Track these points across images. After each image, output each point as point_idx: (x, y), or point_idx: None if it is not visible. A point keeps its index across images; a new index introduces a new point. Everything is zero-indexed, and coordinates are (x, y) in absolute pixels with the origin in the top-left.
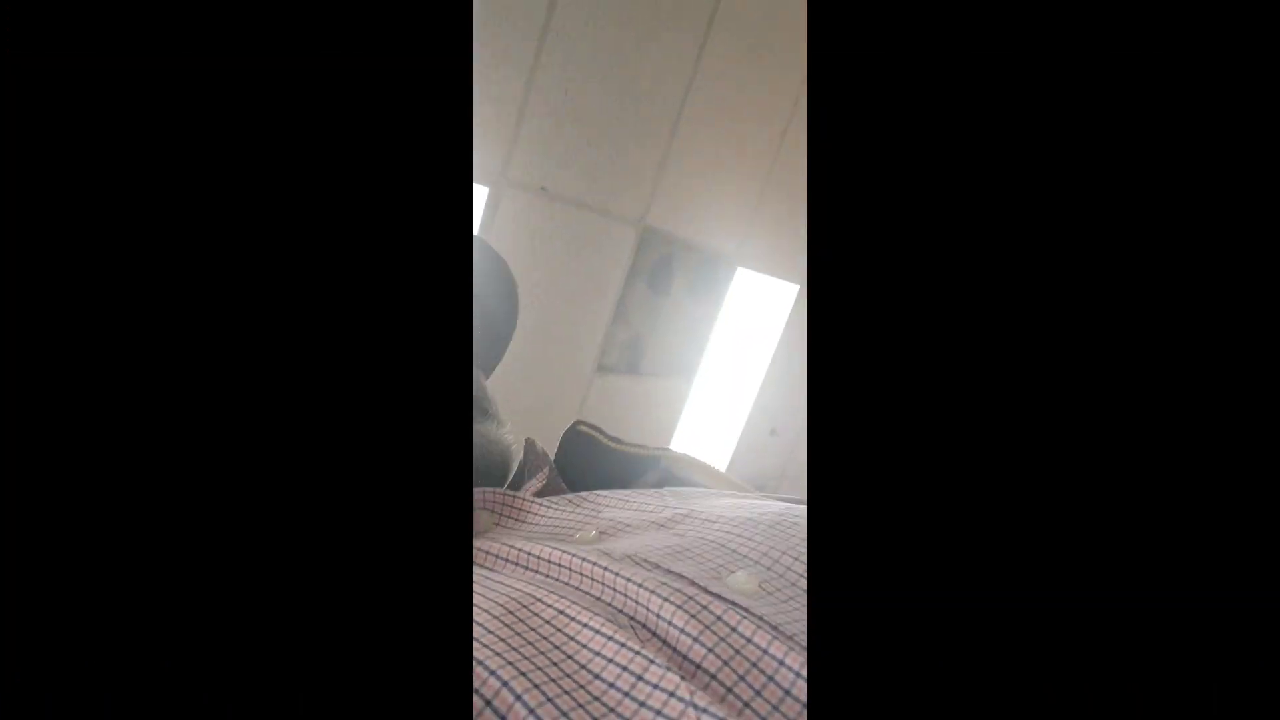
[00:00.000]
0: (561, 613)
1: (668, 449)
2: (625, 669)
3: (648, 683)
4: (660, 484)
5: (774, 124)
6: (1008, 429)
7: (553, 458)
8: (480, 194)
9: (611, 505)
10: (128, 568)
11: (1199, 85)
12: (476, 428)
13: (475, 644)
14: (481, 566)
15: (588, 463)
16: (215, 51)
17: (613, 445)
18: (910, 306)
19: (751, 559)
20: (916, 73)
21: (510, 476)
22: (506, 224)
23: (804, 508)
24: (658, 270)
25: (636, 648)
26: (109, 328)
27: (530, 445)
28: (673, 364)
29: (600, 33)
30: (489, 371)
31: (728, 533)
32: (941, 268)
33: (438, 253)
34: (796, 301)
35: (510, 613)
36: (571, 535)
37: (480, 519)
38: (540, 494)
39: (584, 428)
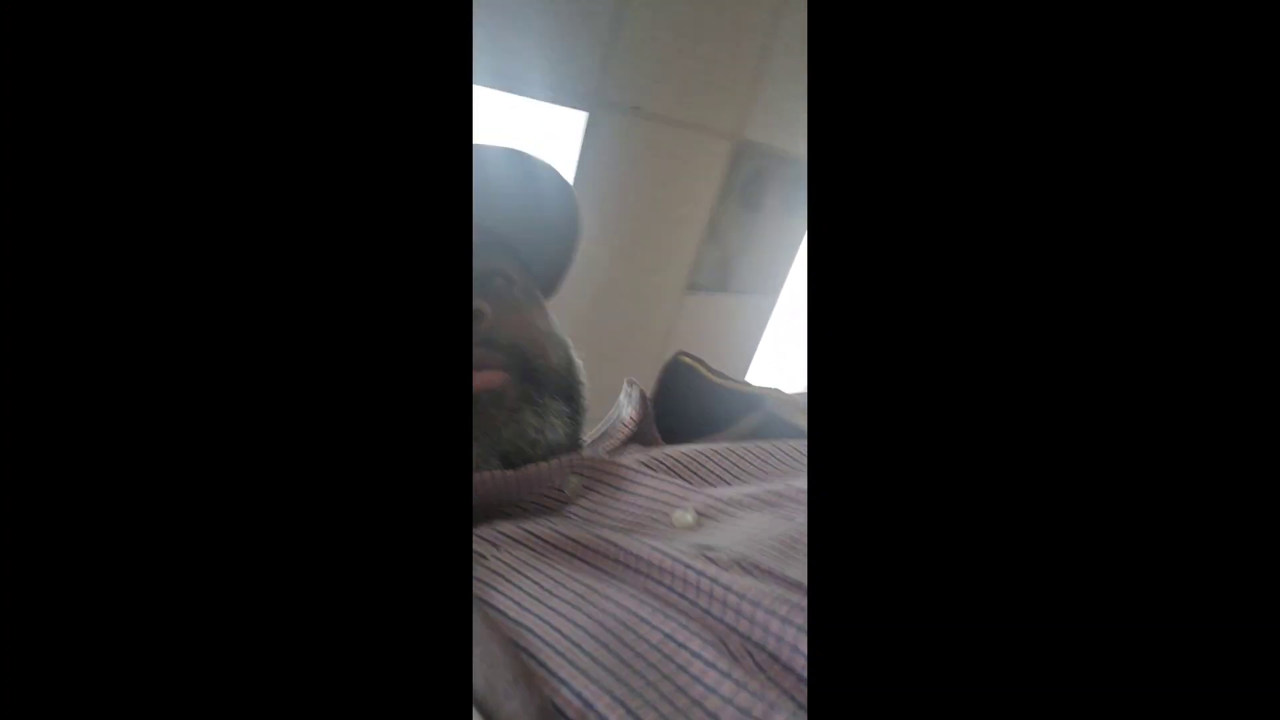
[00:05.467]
0: (669, 637)
1: (775, 388)
2: (746, 713)
3: None
4: (761, 427)
5: None
6: (1009, 428)
7: (652, 390)
8: (579, 119)
9: (709, 472)
10: (131, 551)
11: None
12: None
13: (575, 672)
14: (578, 560)
15: (687, 399)
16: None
17: (715, 380)
18: (912, 305)
19: None
20: (919, 67)
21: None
22: (603, 147)
23: None
24: (750, 185)
25: (757, 689)
26: (92, 308)
27: (628, 386)
28: (761, 281)
29: None
30: (553, 289)
31: None
32: (941, 267)
33: (436, 224)
34: None
35: (616, 636)
36: (667, 515)
37: (570, 483)
38: (634, 438)
39: (686, 359)
